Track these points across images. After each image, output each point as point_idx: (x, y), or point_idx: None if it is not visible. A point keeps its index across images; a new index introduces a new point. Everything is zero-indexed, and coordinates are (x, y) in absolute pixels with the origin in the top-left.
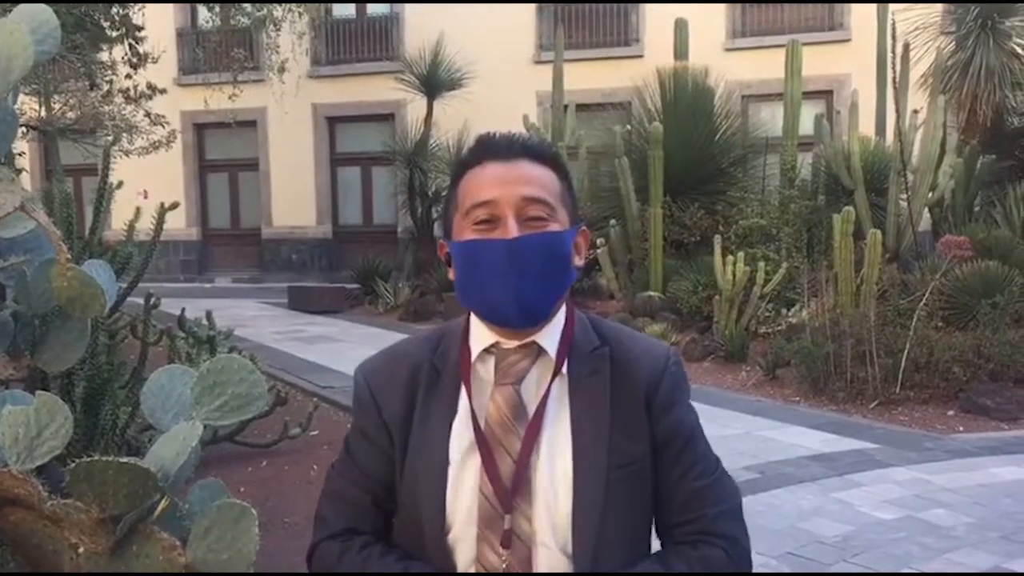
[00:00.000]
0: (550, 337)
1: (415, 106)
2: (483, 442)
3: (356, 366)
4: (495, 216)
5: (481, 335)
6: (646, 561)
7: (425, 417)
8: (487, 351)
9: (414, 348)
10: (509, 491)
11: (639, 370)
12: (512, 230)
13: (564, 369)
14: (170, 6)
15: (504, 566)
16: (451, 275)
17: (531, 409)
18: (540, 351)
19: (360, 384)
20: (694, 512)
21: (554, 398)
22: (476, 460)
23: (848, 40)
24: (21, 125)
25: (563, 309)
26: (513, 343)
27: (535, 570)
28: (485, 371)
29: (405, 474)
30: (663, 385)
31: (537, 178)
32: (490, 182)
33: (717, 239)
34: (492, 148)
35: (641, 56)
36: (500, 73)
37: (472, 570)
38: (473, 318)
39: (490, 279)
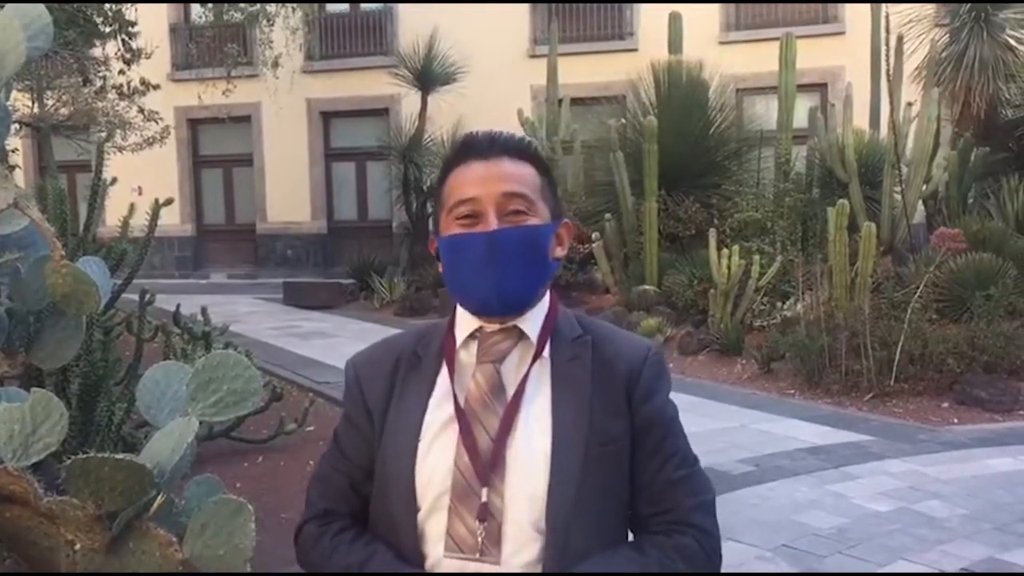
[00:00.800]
0: (532, 322)
1: (410, 101)
2: (462, 418)
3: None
4: (477, 212)
5: (466, 323)
6: (621, 548)
7: (402, 396)
8: (471, 337)
9: (402, 339)
10: (487, 466)
11: (620, 359)
12: (492, 224)
13: (545, 353)
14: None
15: (480, 539)
16: (441, 268)
17: (511, 390)
18: (521, 335)
19: (350, 373)
20: (669, 502)
21: (534, 379)
22: (452, 435)
23: (842, 33)
24: (14, 121)
25: (546, 299)
26: (495, 326)
27: (504, 546)
28: (468, 356)
29: (380, 452)
30: (644, 374)
31: (517, 175)
32: (472, 180)
33: (712, 233)
34: (474, 147)
35: (635, 50)
36: (494, 67)
37: (441, 543)
38: (459, 308)
39: (472, 270)
